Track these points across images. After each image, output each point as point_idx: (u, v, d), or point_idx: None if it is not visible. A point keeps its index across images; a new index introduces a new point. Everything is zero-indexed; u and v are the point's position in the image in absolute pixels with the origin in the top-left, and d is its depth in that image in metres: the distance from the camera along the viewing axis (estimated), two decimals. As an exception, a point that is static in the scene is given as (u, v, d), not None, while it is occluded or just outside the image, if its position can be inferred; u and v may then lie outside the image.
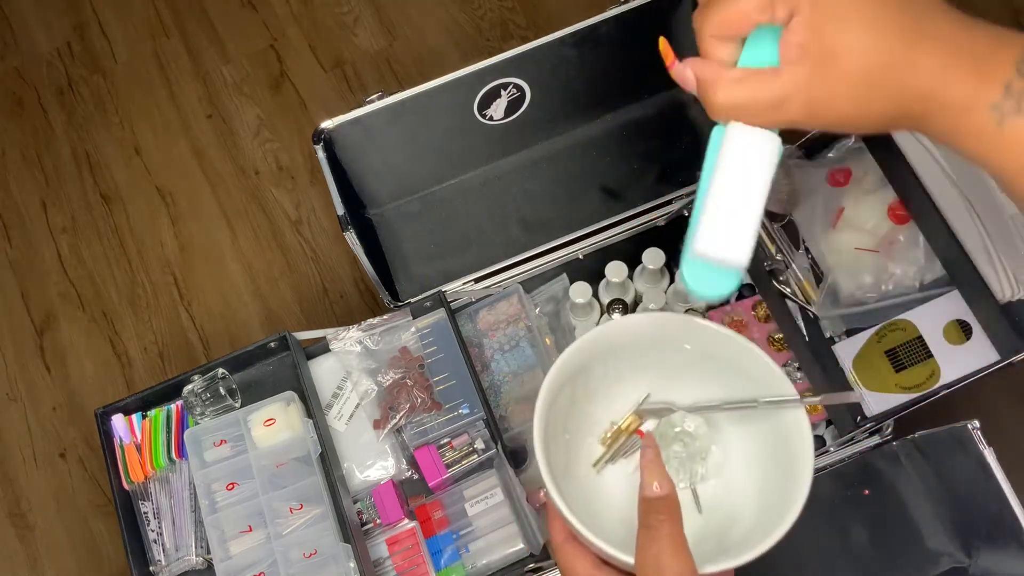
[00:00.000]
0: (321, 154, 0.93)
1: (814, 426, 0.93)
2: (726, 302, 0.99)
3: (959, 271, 0.87)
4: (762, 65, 0.39)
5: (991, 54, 0.35)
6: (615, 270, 0.99)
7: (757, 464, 0.61)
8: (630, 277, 1.01)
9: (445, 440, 0.89)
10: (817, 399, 0.56)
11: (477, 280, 0.99)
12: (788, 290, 0.92)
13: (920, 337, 0.87)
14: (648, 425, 0.66)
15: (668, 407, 0.64)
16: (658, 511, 0.49)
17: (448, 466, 0.88)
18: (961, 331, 0.87)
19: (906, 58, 0.36)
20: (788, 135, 1.05)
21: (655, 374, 0.65)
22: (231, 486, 0.85)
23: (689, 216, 0.99)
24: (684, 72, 0.42)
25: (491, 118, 1.00)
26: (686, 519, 0.57)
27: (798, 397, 0.55)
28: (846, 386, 0.88)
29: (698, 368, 0.63)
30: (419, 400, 0.90)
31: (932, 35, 0.36)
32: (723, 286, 0.45)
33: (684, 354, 0.62)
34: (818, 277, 0.92)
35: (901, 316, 0.88)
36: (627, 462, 0.66)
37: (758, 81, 0.39)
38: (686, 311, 0.97)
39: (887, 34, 0.36)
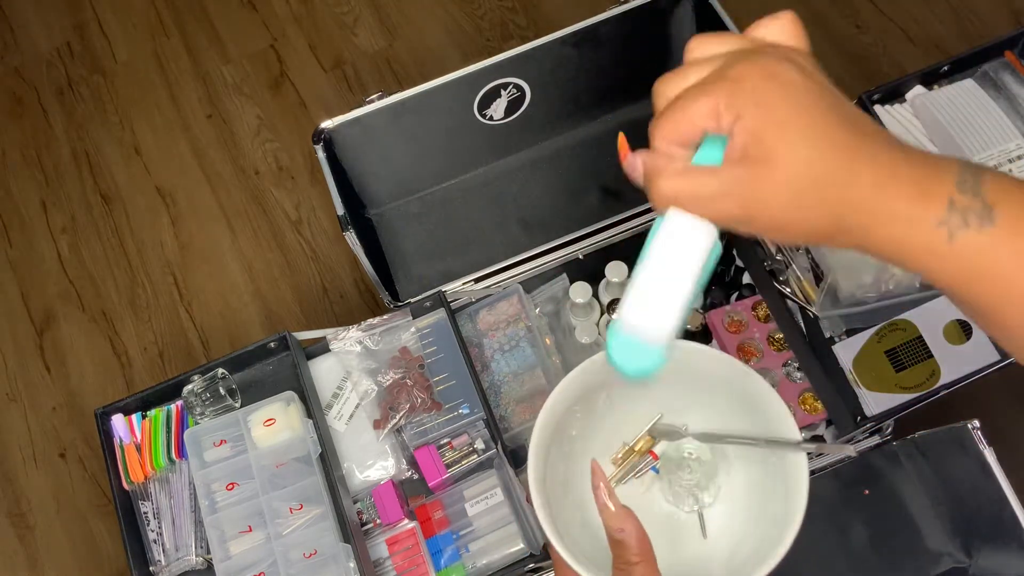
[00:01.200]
0: (321, 154, 0.93)
1: (814, 426, 0.93)
2: (724, 303, 0.99)
3: (959, 271, 0.87)
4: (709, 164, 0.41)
5: (929, 175, 0.37)
6: (615, 270, 0.98)
7: (757, 493, 0.63)
8: (630, 277, 1.01)
9: (445, 440, 0.89)
10: (812, 446, 0.58)
11: (477, 280, 0.99)
12: (788, 290, 0.92)
13: (920, 337, 0.87)
14: (660, 447, 0.66)
15: (679, 430, 0.64)
16: (630, 552, 0.50)
17: (448, 466, 0.88)
18: (961, 331, 0.87)
19: (844, 171, 0.37)
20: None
21: (668, 399, 0.66)
22: (231, 486, 0.85)
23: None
24: (635, 161, 0.45)
25: (491, 118, 1.00)
26: (691, 543, 0.59)
27: (798, 442, 0.57)
28: (846, 386, 0.88)
29: (711, 397, 0.64)
30: (419, 400, 0.90)
31: (871, 155, 0.37)
32: (644, 364, 0.44)
33: (699, 382, 0.63)
34: (818, 277, 0.92)
35: (901, 316, 0.88)
36: (639, 483, 0.67)
37: (699, 175, 0.41)
38: (686, 311, 0.97)
39: (825, 147, 0.37)
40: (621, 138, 0.48)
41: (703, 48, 0.43)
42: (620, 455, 0.66)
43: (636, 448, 0.66)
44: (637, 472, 0.66)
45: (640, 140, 1.15)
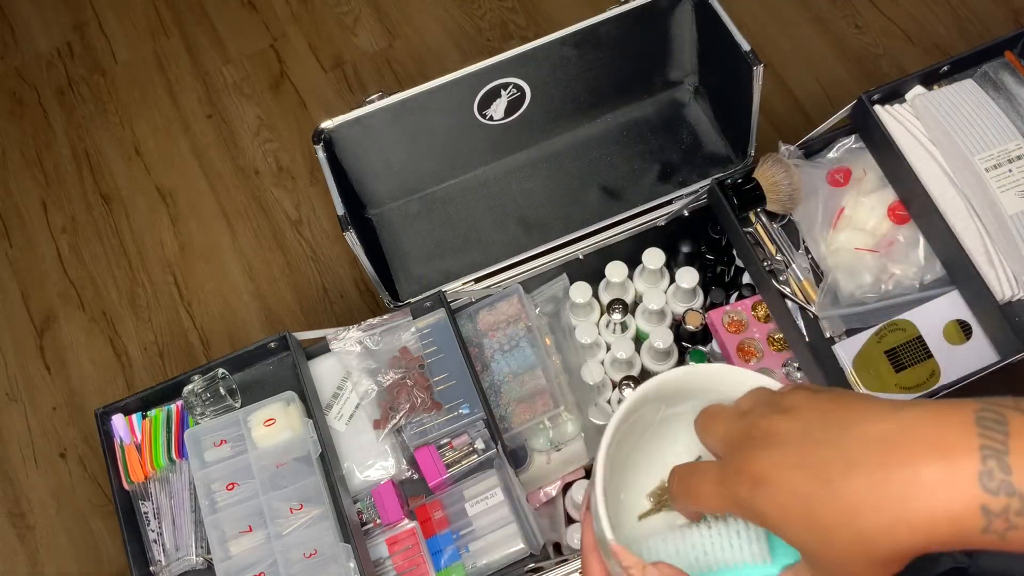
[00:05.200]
0: (321, 154, 0.93)
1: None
2: (724, 303, 0.99)
3: (959, 271, 0.87)
4: None
5: (951, 467, 0.34)
6: (615, 270, 0.98)
7: None
8: (630, 277, 1.01)
9: (445, 440, 0.89)
10: None
11: (477, 280, 0.99)
12: (788, 290, 0.92)
13: (920, 337, 0.87)
14: None
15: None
16: None
17: (448, 466, 0.88)
18: (961, 331, 0.87)
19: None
20: (786, 134, 1.04)
21: None
22: (231, 486, 0.85)
23: (688, 216, 0.99)
24: None
25: (491, 118, 1.00)
26: None
27: None
28: (846, 386, 0.88)
29: None
30: (419, 400, 0.90)
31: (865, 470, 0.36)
32: None
33: None
34: (818, 277, 0.92)
35: (901, 316, 0.88)
36: (671, 513, 0.63)
37: None
38: (686, 311, 0.98)
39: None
40: None
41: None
42: (657, 489, 0.61)
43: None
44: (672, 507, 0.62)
45: (641, 140, 1.16)
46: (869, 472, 0.35)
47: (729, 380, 0.52)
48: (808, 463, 0.37)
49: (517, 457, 0.93)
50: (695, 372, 0.54)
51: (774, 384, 0.48)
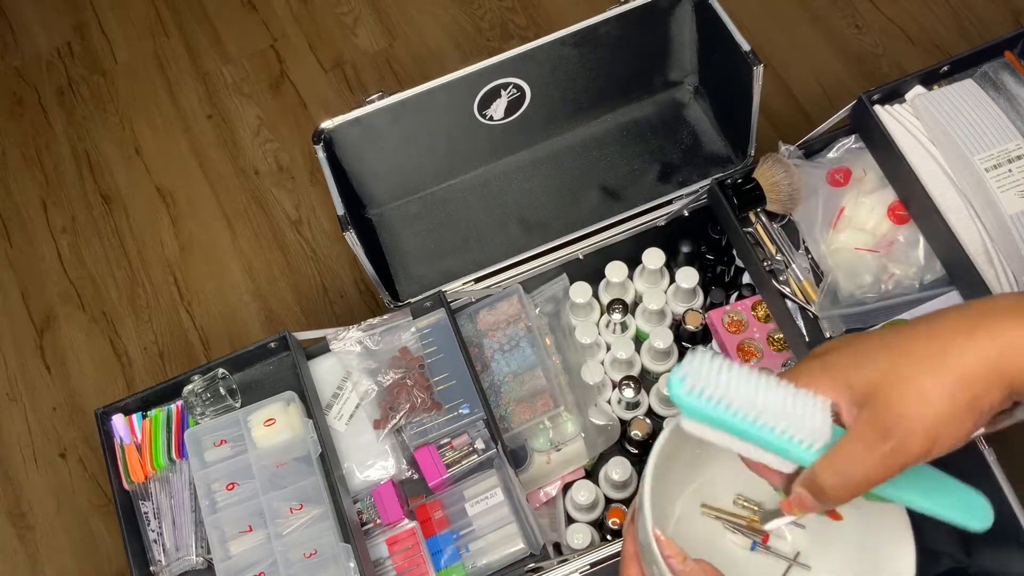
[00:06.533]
0: (321, 154, 0.93)
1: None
2: (724, 303, 0.99)
3: (959, 271, 0.87)
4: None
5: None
6: (615, 270, 0.99)
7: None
8: (630, 277, 1.01)
9: (445, 440, 0.89)
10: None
11: (477, 280, 0.99)
12: (788, 290, 0.92)
13: (920, 337, 0.87)
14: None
15: (757, 507, 0.62)
16: None
17: (448, 466, 0.88)
18: (961, 331, 0.87)
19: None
20: (786, 134, 1.04)
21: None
22: (231, 486, 0.85)
23: (688, 216, 0.99)
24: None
25: (491, 118, 1.00)
26: None
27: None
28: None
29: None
30: (419, 400, 0.90)
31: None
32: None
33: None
34: (818, 277, 0.92)
35: (901, 316, 0.88)
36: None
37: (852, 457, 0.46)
38: (686, 311, 0.98)
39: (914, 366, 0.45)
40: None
41: None
42: (722, 512, 0.62)
43: (743, 520, 0.62)
44: (732, 528, 0.62)
45: (641, 140, 1.15)
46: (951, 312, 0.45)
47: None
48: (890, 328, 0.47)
49: (517, 457, 0.93)
50: None
51: None
